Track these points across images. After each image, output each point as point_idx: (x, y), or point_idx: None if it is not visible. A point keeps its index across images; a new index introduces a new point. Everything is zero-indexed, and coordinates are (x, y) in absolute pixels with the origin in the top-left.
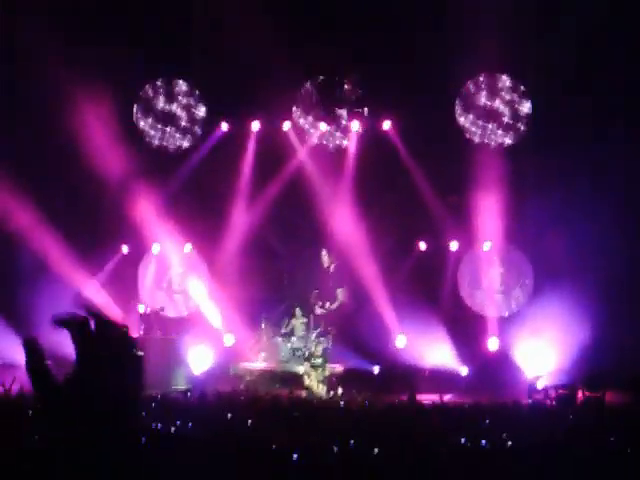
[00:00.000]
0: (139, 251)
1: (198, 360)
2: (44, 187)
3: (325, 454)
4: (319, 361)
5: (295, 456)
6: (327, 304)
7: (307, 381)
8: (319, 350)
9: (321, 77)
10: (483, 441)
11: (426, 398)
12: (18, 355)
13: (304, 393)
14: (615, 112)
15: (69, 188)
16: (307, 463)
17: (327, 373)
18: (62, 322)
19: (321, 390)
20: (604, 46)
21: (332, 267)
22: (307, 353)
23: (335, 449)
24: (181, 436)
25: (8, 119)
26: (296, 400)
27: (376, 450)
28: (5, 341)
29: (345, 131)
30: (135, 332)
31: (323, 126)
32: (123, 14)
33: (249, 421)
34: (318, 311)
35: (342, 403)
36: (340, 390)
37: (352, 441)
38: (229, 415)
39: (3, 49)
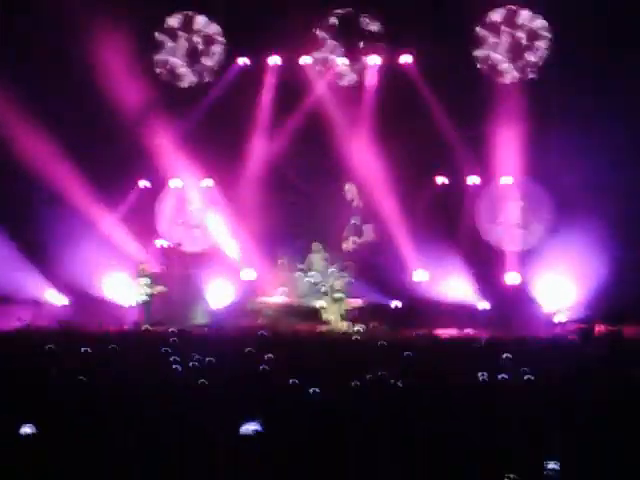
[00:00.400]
0: (157, 185)
1: (217, 295)
2: (62, 120)
3: (343, 389)
4: (338, 295)
5: (312, 390)
6: (354, 239)
7: (325, 315)
8: (339, 284)
9: (340, 11)
10: (501, 375)
11: (445, 332)
12: (31, 289)
13: (324, 327)
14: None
15: (87, 121)
16: (324, 398)
17: (346, 307)
18: None
19: (341, 324)
20: None
21: (356, 202)
22: (326, 287)
23: (354, 383)
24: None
25: (24, 47)
26: (315, 335)
27: (399, 383)
28: (24, 275)
29: (364, 65)
30: (154, 267)
31: (342, 60)
32: None
33: (268, 355)
34: (347, 246)
35: (358, 338)
36: (360, 325)
37: (369, 376)
38: (247, 349)
39: None
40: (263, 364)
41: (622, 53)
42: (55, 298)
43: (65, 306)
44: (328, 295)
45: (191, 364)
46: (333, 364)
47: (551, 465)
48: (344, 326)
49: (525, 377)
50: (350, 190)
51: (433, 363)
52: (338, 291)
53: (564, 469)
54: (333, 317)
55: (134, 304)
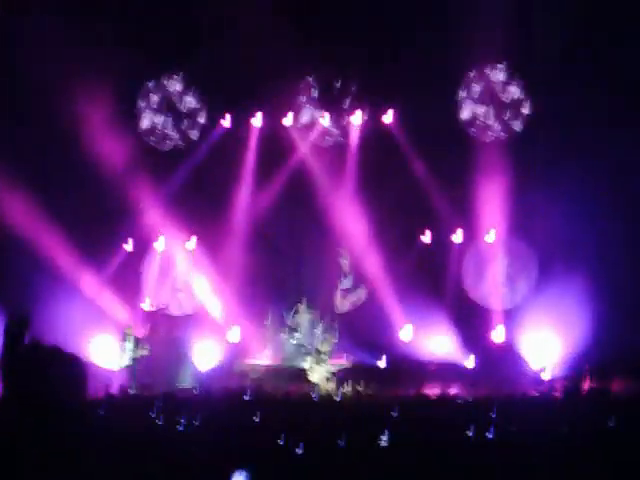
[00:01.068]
0: (142, 248)
1: (203, 357)
2: (46, 183)
3: (330, 448)
4: (324, 357)
5: (300, 451)
6: (349, 300)
7: (312, 377)
8: (326, 347)
9: (321, 72)
10: (489, 433)
11: (432, 391)
12: None
13: (311, 389)
14: (615, 95)
15: (70, 184)
16: (312, 458)
17: (331, 368)
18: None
19: (328, 386)
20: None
21: (347, 266)
22: (310, 349)
23: (341, 443)
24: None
25: (8, 116)
26: (302, 397)
27: (383, 440)
28: None
29: (346, 125)
30: (140, 331)
31: (324, 120)
32: (123, 11)
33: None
34: (342, 308)
35: (340, 399)
36: (347, 385)
37: (354, 435)
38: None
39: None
40: (251, 425)
41: (605, 107)
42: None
43: None
44: (313, 357)
45: (180, 427)
46: (319, 424)
47: None
48: (330, 387)
49: (512, 434)
50: (344, 253)
51: (420, 422)
52: (323, 353)
53: None
54: (318, 378)
55: (120, 368)
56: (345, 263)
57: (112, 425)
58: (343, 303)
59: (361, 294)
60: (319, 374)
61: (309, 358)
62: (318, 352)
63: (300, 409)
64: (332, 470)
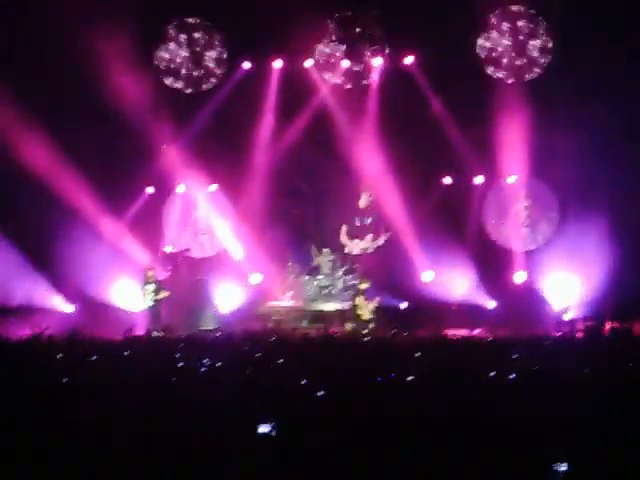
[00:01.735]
0: (164, 192)
1: (225, 300)
2: (68, 126)
3: (356, 389)
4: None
5: (322, 393)
6: (363, 243)
7: (361, 313)
8: (364, 284)
9: (342, 14)
10: (512, 374)
11: (455, 332)
12: (39, 297)
13: (348, 327)
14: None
15: (93, 127)
16: (337, 398)
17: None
18: None
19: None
20: None
21: (367, 205)
22: (333, 290)
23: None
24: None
25: (27, 59)
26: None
27: (410, 378)
28: (32, 284)
29: (367, 67)
30: (162, 273)
31: (345, 63)
32: None
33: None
34: (350, 249)
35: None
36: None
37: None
38: (258, 354)
39: None
40: (275, 367)
41: (624, 54)
42: (63, 306)
43: (72, 313)
44: (359, 295)
45: (203, 369)
46: (345, 366)
47: (560, 467)
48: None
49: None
50: (365, 195)
51: (442, 363)
52: (362, 292)
53: (573, 471)
54: (368, 315)
55: (142, 310)
56: (366, 199)
57: (137, 366)
58: (353, 244)
59: (378, 240)
60: (367, 310)
61: (356, 297)
62: (359, 291)
63: (322, 349)
64: (355, 408)
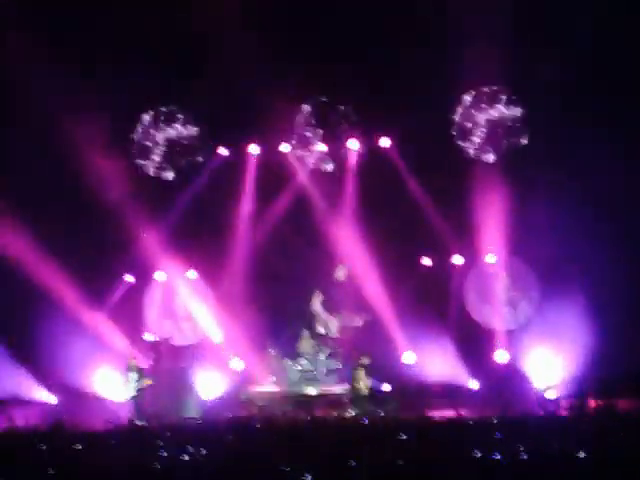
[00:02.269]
0: (144, 279)
1: (208, 387)
2: (44, 216)
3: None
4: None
5: (309, 477)
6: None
7: (359, 388)
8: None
9: (318, 99)
10: (497, 454)
11: (438, 414)
12: (23, 390)
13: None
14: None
15: (70, 218)
16: None
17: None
18: None
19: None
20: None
21: (345, 280)
22: (315, 375)
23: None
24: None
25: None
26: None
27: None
28: (14, 376)
29: (343, 151)
30: (144, 362)
31: (322, 147)
32: (120, 44)
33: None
34: (331, 327)
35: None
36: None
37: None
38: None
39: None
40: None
41: (597, 130)
42: (45, 397)
43: (56, 405)
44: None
45: (186, 457)
46: (329, 449)
47: None
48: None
49: (520, 456)
50: (341, 270)
51: (427, 444)
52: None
53: None
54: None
55: (125, 400)
56: (342, 272)
57: (123, 456)
58: (329, 321)
59: (355, 320)
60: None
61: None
62: (361, 366)
63: (307, 433)
64: None
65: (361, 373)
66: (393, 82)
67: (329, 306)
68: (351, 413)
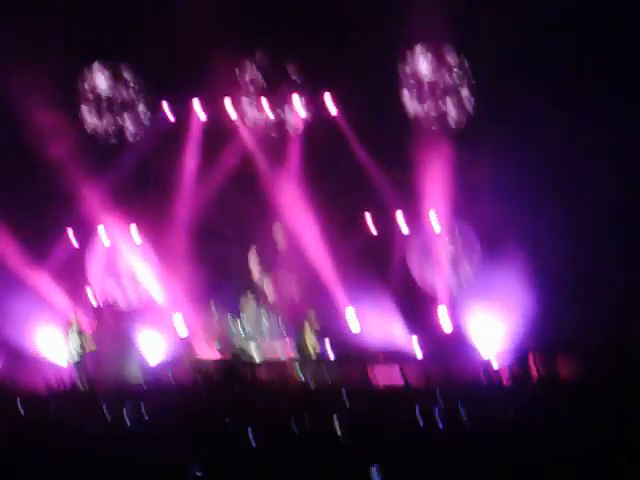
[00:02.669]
0: (86, 239)
1: (151, 350)
2: None
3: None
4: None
5: (250, 434)
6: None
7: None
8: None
9: (261, 55)
10: (440, 423)
11: (381, 380)
12: None
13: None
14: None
15: (12, 175)
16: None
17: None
18: None
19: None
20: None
21: (283, 244)
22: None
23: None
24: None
25: None
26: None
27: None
28: None
29: (286, 109)
30: (86, 325)
31: (265, 103)
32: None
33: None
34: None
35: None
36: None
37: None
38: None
39: None
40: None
41: (544, 85)
42: None
43: None
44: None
45: (129, 422)
46: (270, 413)
47: None
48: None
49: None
50: (278, 230)
51: (368, 411)
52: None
53: None
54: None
55: (67, 363)
56: (279, 231)
57: (63, 420)
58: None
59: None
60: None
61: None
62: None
63: (250, 395)
64: (283, 455)
65: (308, 335)
66: (337, 39)
67: (266, 266)
68: (299, 377)
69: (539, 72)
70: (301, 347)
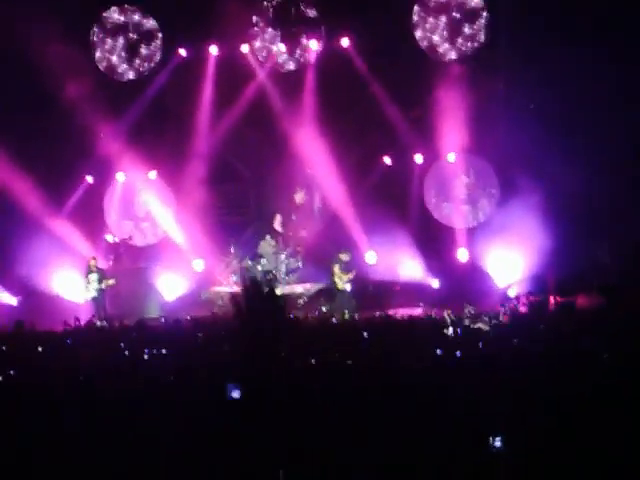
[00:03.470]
0: (104, 181)
1: (169, 287)
2: (1, 122)
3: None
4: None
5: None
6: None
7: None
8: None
9: None
10: (457, 352)
11: (399, 312)
12: None
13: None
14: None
15: (29, 120)
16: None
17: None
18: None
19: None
20: None
21: (303, 203)
22: (277, 274)
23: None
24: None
25: None
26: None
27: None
28: None
29: (303, 50)
30: (104, 262)
31: (281, 46)
32: None
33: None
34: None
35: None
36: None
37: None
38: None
39: None
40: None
41: (566, 23)
42: (7, 299)
43: (16, 306)
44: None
45: (146, 356)
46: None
47: (496, 442)
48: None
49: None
50: (299, 193)
51: (388, 343)
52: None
53: (509, 446)
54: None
55: (86, 300)
56: (301, 196)
57: (81, 357)
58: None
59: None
60: (343, 281)
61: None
62: (338, 261)
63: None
64: (304, 390)
65: (336, 268)
66: None
67: (289, 227)
68: (325, 309)
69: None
70: (331, 283)
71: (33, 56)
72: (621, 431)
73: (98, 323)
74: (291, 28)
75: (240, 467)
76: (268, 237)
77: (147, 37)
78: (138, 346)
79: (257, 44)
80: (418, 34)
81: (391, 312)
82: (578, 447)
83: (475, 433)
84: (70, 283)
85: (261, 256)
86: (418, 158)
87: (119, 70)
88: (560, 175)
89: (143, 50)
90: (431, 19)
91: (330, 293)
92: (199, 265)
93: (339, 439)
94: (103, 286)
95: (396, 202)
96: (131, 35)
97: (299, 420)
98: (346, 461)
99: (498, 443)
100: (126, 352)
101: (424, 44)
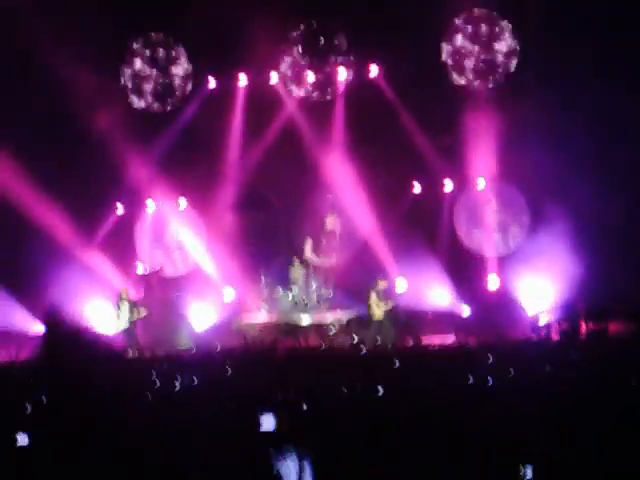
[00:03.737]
0: (134, 211)
1: (200, 317)
2: (33, 151)
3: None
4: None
5: (305, 407)
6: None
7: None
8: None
9: (305, 27)
10: (490, 379)
11: (430, 340)
12: (19, 323)
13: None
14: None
15: (60, 150)
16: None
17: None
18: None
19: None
20: None
21: (336, 230)
22: (307, 303)
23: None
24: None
25: None
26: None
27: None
28: (8, 309)
29: (332, 80)
30: (135, 293)
31: (310, 76)
32: None
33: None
34: (312, 260)
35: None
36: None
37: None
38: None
39: None
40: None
41: (593, 55)
42: (38, 329)
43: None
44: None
45: (177, 387)
46: (328, 379)
47: (527, 471)
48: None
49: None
50: (332, 216)
51: (420, 372)
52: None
53: (539, 476)
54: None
55: (117, 332)
56: (332, 221)
57: (115, 387)
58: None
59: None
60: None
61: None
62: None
63: (300, 362)
64: (334, 420)
65: (374, 296)
66: (383, 8)
67: (320, 252)
68: (354, 339)
69: (585, 37)
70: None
71: (64, 86)
72: None
73: (130, 354)
74: (320, 57)
75: None
76: (297, 262)
77: (176, 66)
78: (169, 377)
79: (286, 73)
80: (447, 61)
81: (424, 340)
82: (610, 477)
83: (506, 462)
84: (101, 314)
85: (293, 283)
86: (448, 185)
87: (149, 99)
88: (589, 202)
89: (173, 79)
90: (460, 46)
91: (361, 322)
92: (230, 294)
93: (368, 469)
94: (134, 317)
95: (426, 229)
96: (161, 64)
97: (327, 450)
98: None
99: (529, 473)
100: (157, 384)
101: (453, 72)
